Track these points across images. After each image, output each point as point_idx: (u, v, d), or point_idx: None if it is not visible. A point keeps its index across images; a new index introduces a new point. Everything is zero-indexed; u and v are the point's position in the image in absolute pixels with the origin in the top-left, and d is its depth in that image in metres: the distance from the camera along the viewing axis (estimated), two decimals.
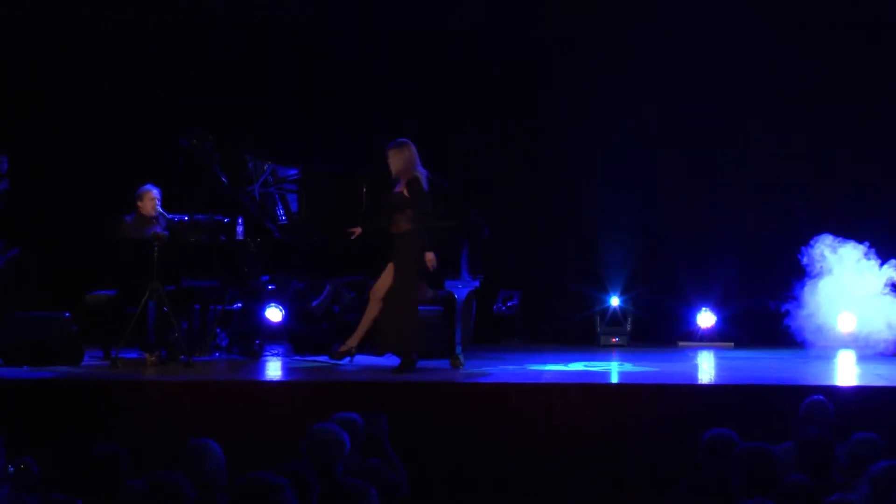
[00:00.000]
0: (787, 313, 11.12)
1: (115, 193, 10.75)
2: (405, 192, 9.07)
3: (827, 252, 11.27)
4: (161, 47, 11.82)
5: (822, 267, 11.24)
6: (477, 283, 9.62)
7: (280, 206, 10.12)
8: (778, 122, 11.78)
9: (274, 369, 9.64)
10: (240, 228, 9.68)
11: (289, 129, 11.73)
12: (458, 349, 9.33)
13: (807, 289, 11.23)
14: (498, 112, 12.02)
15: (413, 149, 9.13)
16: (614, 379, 9.44)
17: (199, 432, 6.24)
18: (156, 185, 10.02)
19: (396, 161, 9.13)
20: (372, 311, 9.26)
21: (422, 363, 9.53)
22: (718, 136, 11.93)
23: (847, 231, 11.28)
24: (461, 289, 9.48)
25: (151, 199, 9.91)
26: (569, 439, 8.31)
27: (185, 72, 11.74)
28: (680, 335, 11.74)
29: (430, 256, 9.14)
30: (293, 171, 10.00)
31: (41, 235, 11.11)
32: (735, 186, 12.04)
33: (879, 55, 11.69)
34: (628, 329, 11.62)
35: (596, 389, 8.72)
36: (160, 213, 9.84)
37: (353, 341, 9.22)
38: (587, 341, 11.57)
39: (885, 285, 11.17)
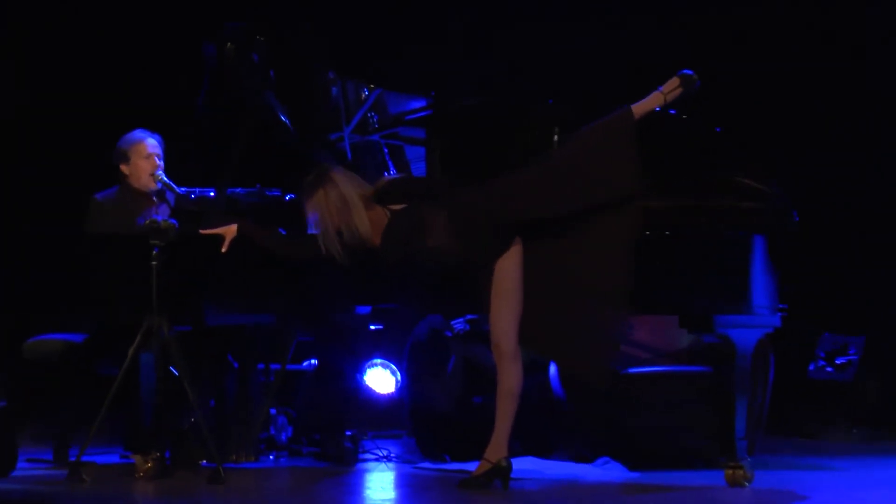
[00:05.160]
0: None
1: (81, 145, 8.43)
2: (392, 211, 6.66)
3: None
4: None
5: None
6: (777, 321, 6.81)
7: (392, 169, 7.41)
8: None
9: (382, 492, 6.81)
10: None
11: (406, 24, 9.09)
12: (742, 447, 6.63)
13: None
14: None
15: (339, 180, 6.64)
16: None
17: None
18: (155, 131, 7.42)
19: (334, 200, 6.66)
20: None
21: (670, 476, 6.84)
22: None
23: None
24: (747, 330, 6.68)
25: (146, 155, 7.26)
26: None
27: None
28: None
29: None
30: (418, 103, 7.27)
31: None
32: None
33: None
34: None
35: None
36: (165, 185, 7.24)
37: (498, 450, 6.53)
38: None
39: None
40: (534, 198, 6.28)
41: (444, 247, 6.36)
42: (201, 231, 6.84)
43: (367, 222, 6.52)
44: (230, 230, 6.62)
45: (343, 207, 6.55)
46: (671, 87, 6.43)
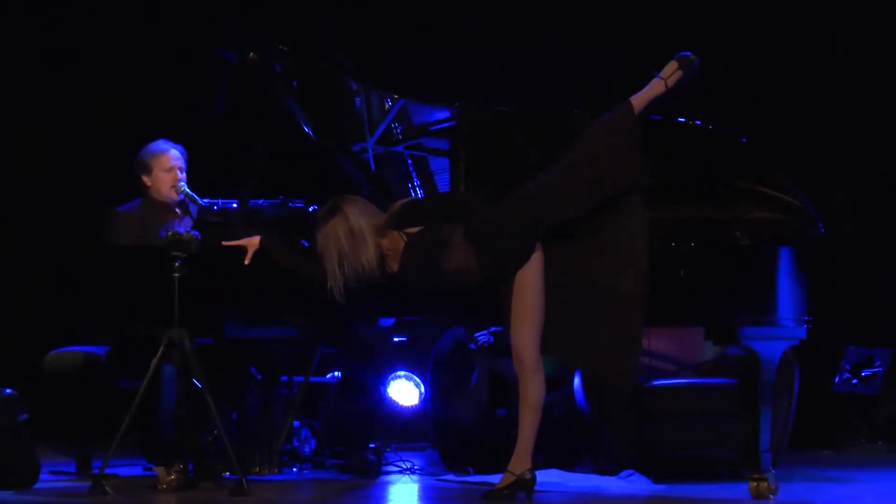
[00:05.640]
0: None
1: (101, 153, 8.38)
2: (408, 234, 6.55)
3: None
4: None
5: None
6: (802, 333, 6.67)
7: (416, 180, 7.17)
8: None
9: None
10: None
11: (430, 33, 9.06)
12: (766, 459, 6.56)
13: None
14: None
15: (351, 213, 6.55)
16: None
17: None
18: (177, 142, 7.32)
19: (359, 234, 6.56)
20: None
21: (694, 488, 6.83)
22: None
23: None
24: (772, 342, 6.58)
25: (168, 168, 7.16)
26: None
27: None
28: None
29: None
30: (442, 113, 6.98)
31: None
32: None
33: None
34: None
35: None
36: (188, 196, 7.16)
37: (522, 463, 6.41)
38: None
39: None
40: (546, 202, 6.19)
41: (462, 266, 6.27)
42: (224, 243, 6.75)
43: (374, 258, 6.40)
44: (253, 242, 6.54)
45: (350, 242, 6.47)
46: (670, 72, 6.28)
